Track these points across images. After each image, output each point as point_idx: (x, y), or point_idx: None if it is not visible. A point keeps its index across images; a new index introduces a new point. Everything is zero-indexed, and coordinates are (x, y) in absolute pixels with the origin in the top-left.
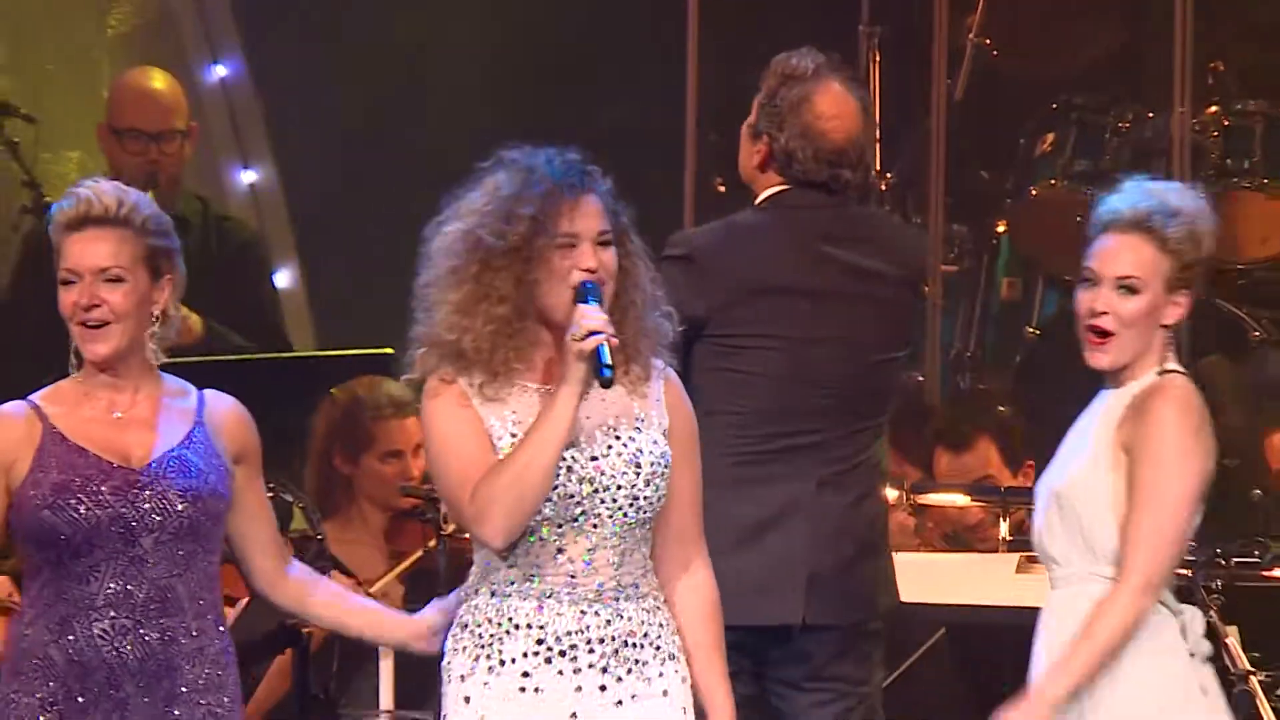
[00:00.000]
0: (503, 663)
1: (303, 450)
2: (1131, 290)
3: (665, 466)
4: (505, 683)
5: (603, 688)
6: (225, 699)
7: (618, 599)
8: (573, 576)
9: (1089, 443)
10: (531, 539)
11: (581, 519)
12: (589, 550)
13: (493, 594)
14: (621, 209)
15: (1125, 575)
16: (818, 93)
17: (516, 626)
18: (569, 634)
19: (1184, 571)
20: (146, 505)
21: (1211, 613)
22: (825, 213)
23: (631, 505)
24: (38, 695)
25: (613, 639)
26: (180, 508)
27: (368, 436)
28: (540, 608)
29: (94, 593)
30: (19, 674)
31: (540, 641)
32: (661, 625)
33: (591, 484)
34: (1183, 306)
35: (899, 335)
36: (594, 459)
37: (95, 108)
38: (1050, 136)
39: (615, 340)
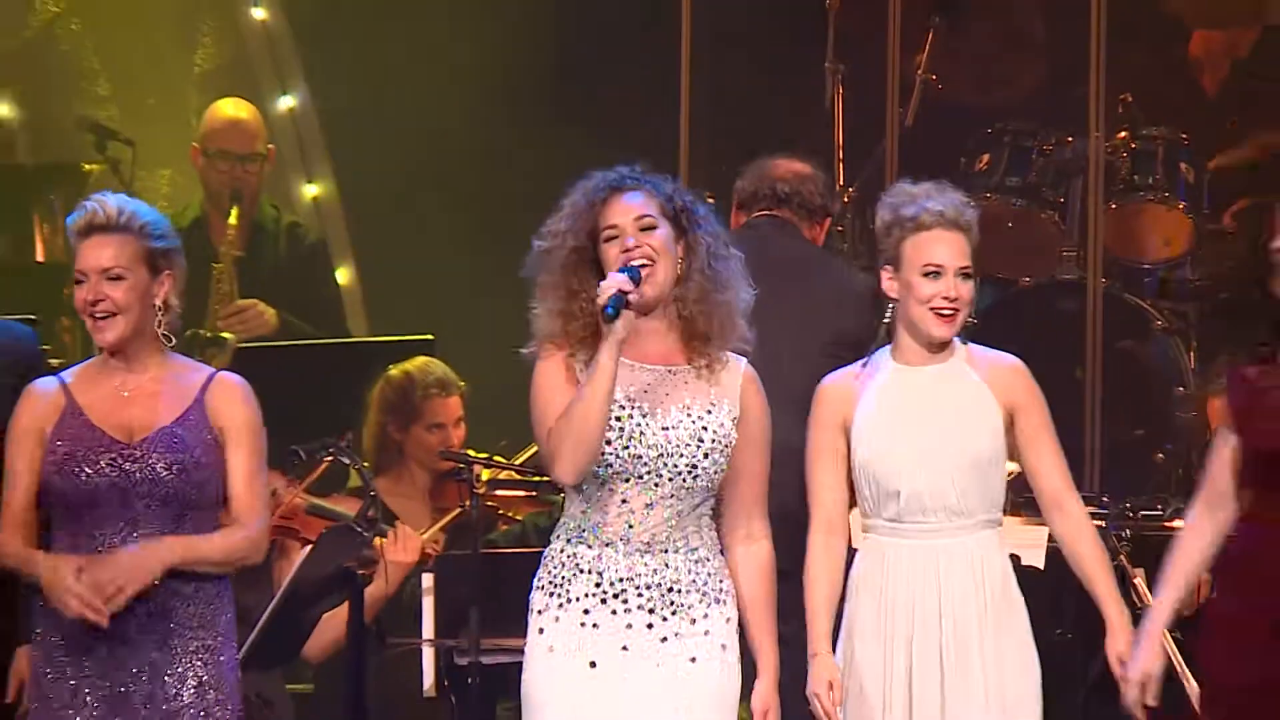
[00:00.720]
0: (569, 601)
1: (359, 420)
2: (968, 276)
3: (727, 446)
4: (570, 618)
5: (649, 625)
6: (217, 634)
7: (666, 551)
8: (630, 526)
9: (972, 406)
10: (602, 489)
11: (646, 476)
12: (647, 505)
13: (567, 541)
14: (686, 198)
15: (1072, 502)
16: None
17: (581, 570)
18: (622, 580)
19: (1099, 523)
20: (137, 475)
21: (1121, 557)
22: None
23: (690, 472)
24: (58, 633)
25: (660, 585)
26: (166, 477)
27: (416, 410)
28: (600, 556)
29: (99, 546)
30: (46, 615)
31: (598, 585)
32: (710, 575)
33: (658, 449)
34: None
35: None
36: (665, 429)
37: (183, 133)
38: (985, 157)
39: (627, 288)
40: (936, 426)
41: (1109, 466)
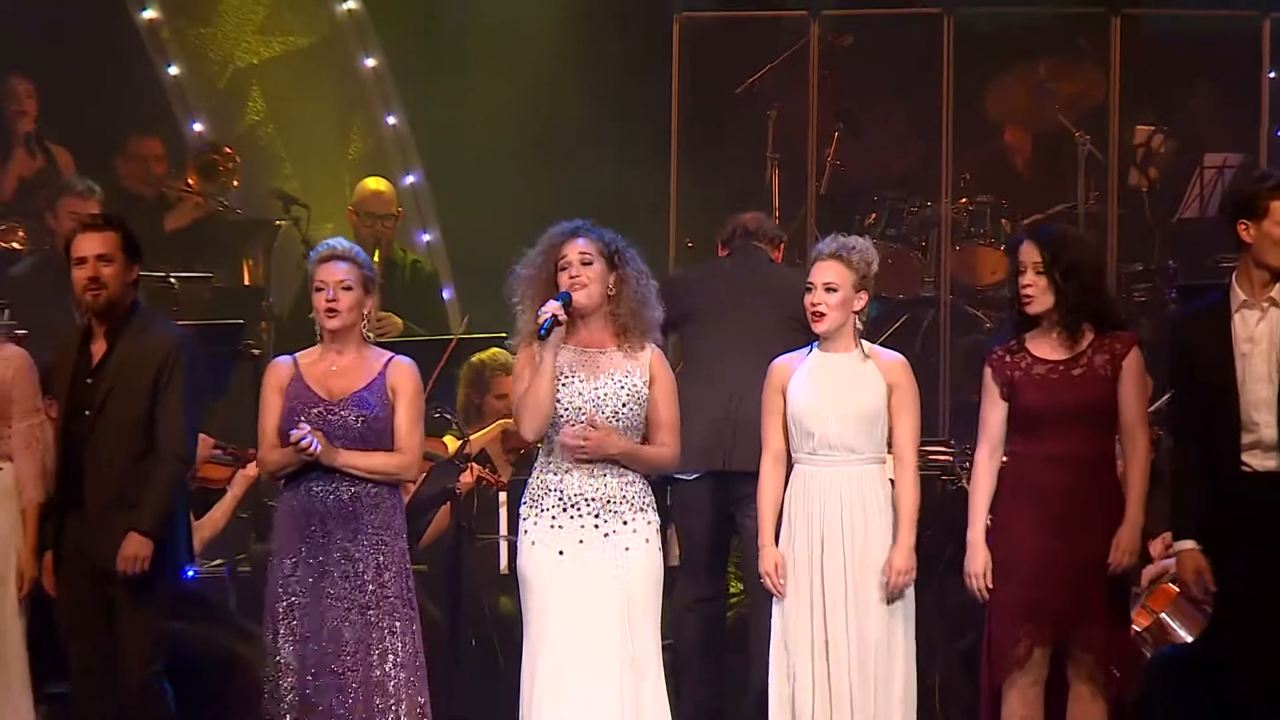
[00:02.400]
0: (542, 510)
1: (453, 389)
2: (831, 290)
3: (642, 399)
4: (543, 522)
5: (596, 526)
6: (390, 530)
7: (605, 475)
8: (556, 459)
9: (860, 380)
10: (559, 433)
11: (579, 424)
12: (582, 440)
13: (540, 470)
14: (619, 244)
15: (909, 458)
16: None
17: (549, 490)
18: (576, 495)
19: (949, 455)
20: (336, 423)
21: (963, 480)
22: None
23: (614, 417)
24: (285, 527)
25: (600, 498)
26: (356, 424)
27: (488, 385)
28: (561, 480)
29: (311, 467)
30: (277, 512)
31: (560, 499)
32: (636, 492)
33: (594, 403)
34: (864, 300)
35: None
36: (597, 389)
37: (342, 200)
38: (873, 215)
39: (557, 313)
40: (840, 392)
41: (955, 419)
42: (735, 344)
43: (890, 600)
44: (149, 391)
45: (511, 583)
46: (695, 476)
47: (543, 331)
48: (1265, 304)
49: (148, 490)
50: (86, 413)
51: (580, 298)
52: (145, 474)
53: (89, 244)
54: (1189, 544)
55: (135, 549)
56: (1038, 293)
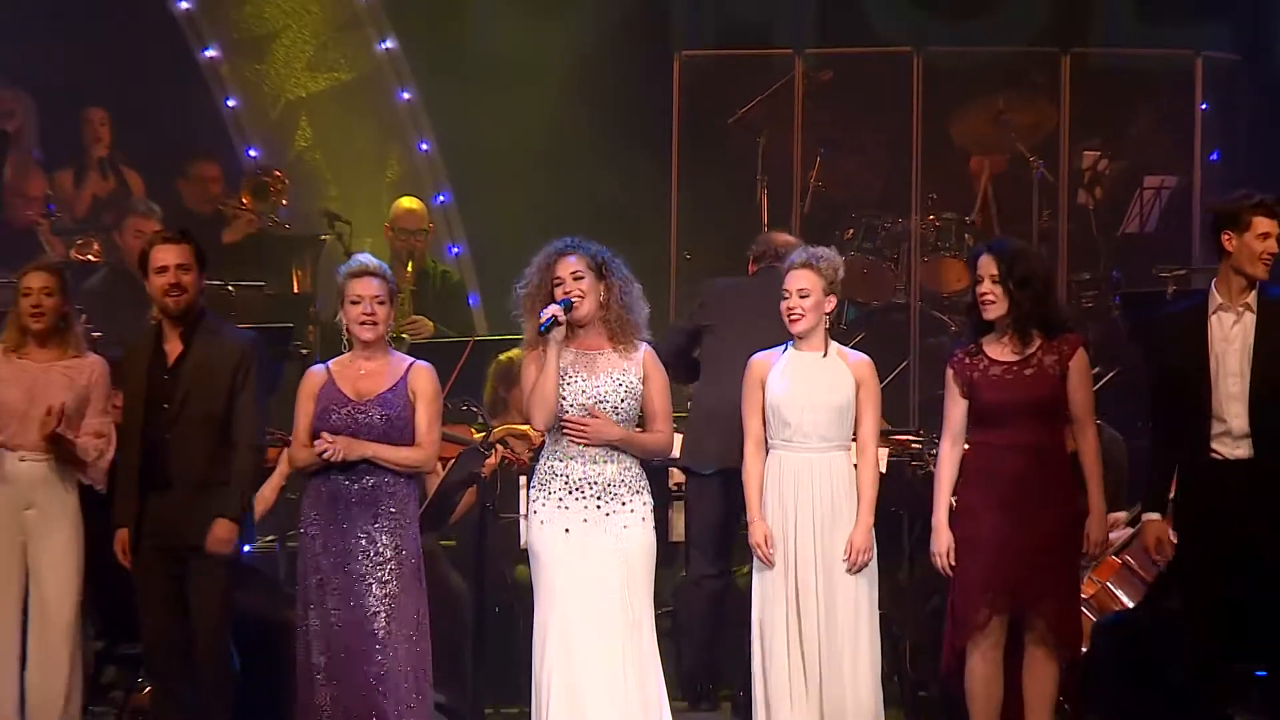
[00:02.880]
0: (549, 494)
1: (480, 383)
2: (805, 296)
3: (636, 394)
4: (551, 503)
5: (598, 507)
6: (405, 514)
7: (606, 462)
8: (582, 448)
9: (832, 376)
10: (552, 427)
11: (588, 413)
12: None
13: (547, 458)
14: (604, 255)
15: (871, 449)
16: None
17: (555, 475)
18: (580, 479)
19: (918, 444)
20: (363, 421)
21: (930, 465)
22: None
23: (614, 411)
24: (314, 510)
25: (601, 482)
26: (380, 423)
27: (514, 379)
28: (566, 465)
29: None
30: (307, 497)
31: (566, 483)
32: (633, 476)
33: (594, 399)
34: (833, 303)
35: None
36: (596, 386)
37: (379, 217)
38: (850, 231)
39: (557, 315)
40: (814, 387)
41: (924, 412)
42: (749, 349)
43: (854, 572)
44: (227, 389)
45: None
46: (711, 472)
47: (543, 328)
48: (1241, 308)
49: (232, 479)
50: (166, 406)
51: (577, 307)
52: (225, 462)
53: (170, 254)
54: (1155, 516)
55: (224, 532)
56: (995, 300)
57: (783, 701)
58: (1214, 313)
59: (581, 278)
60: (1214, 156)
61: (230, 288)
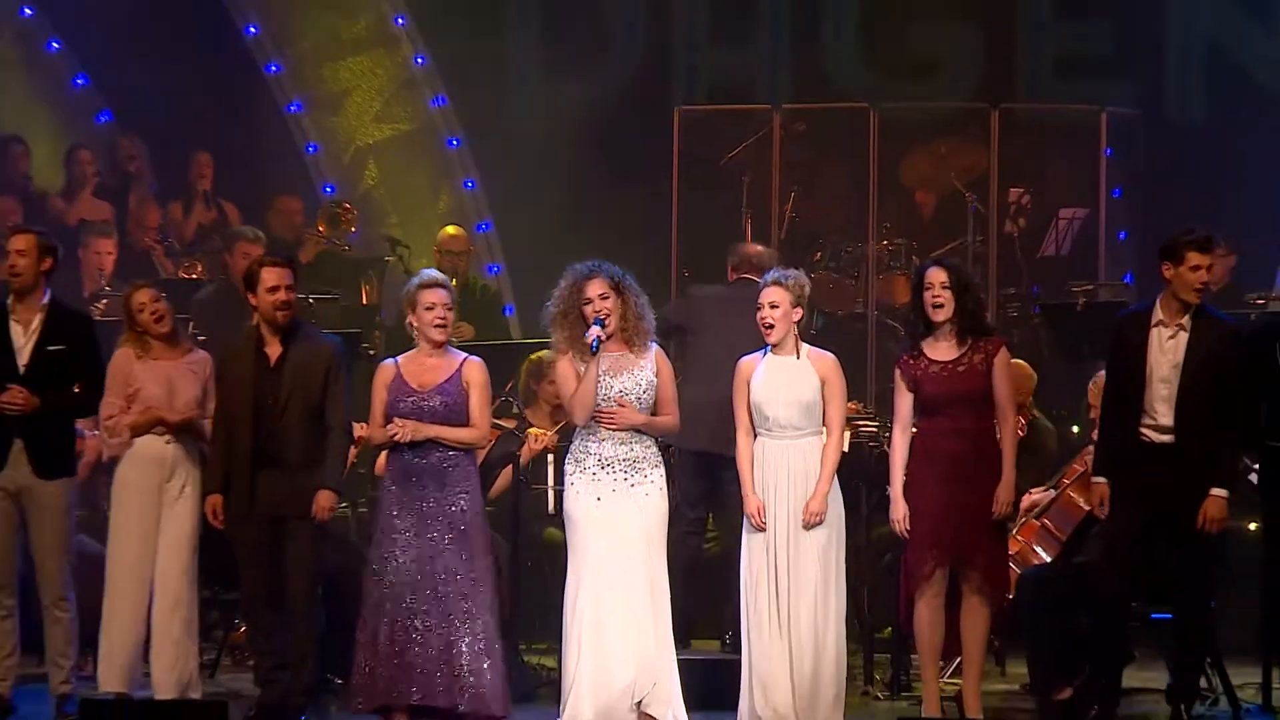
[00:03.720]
0: (585, 469)
1: (517, 379)
2: (774, 307)
3: (651, 386)
4: (585, 475)
5: (624, 478)
6: (469, 485)
7: (629, 443)
8: (594, 433)
9: (801, 376)
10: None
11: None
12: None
13: (583, 439)
14: (623, 276)
15: (836, 433)
16: None
17: (589, 453)
18: (610, 457)
19: (874, 426)
20: (425, 407)
21: (885, 446)
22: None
23: (636, 401)
24: (392, 482)
25: (627, 459)
26: (440, 408)
27: (542, 374)
28: (599, 445)
29: (401, 439)
30: (388, 471)
31: (597, 460)
32: (651, 454)
33: (625, 391)
34: (800, 314)
35: None
36: (622, 382)
37: (431, 241)
38: (819, 253)
39: (600, 335)
40: (787, 386)
41: (880, 400)
42: (730, 355)
43: (808, 529)
44: (321, 385)
45: (556, 520)
46: (695, 450)
47: (595, 349)
48: (1176, 327)
49: (330, 458)
50: (271, 399)
51: (608, 324)
52: (321, 444)
53: (280, 276)
54: (1101, 480)
55: (327, 501)
56: (945, 303)
57: (761, 639)
58: (1154, 326)
59: (607, 297)
60: (1116, 193)
61: (311, 300)
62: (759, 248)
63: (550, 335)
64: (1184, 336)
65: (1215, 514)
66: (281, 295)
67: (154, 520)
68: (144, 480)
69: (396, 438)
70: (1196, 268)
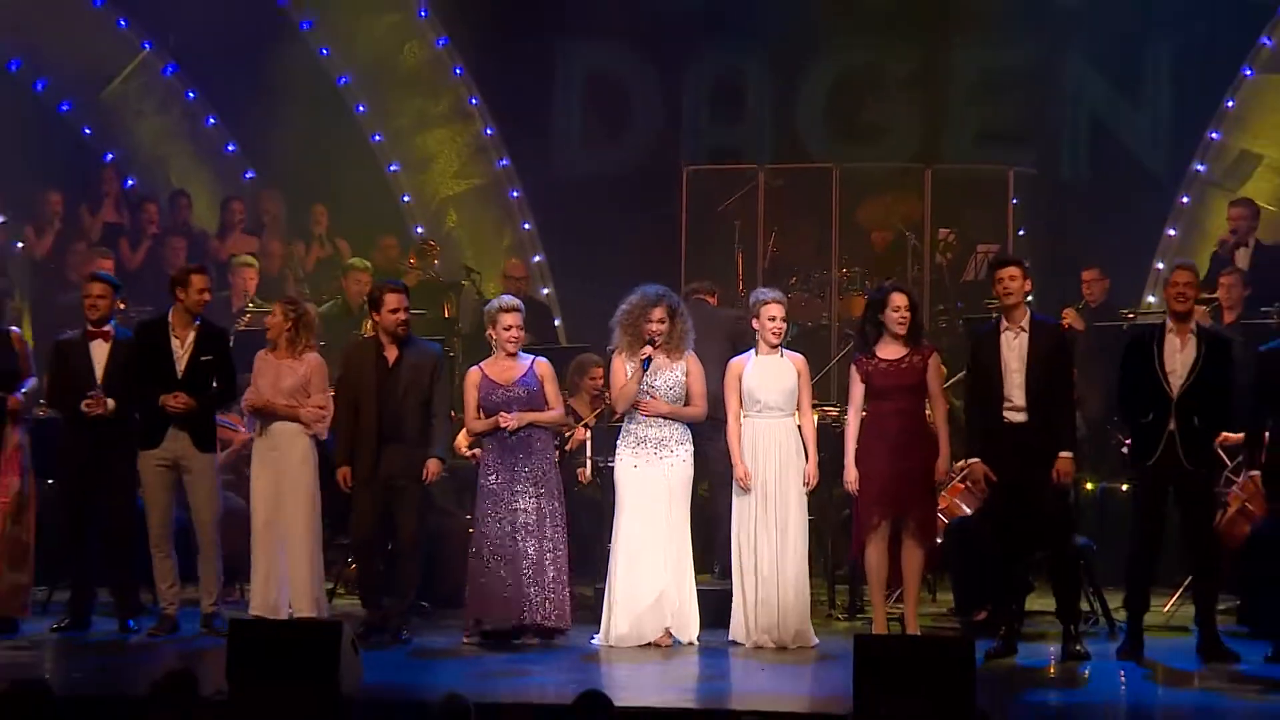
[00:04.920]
0: (628, 445)
1: (566, 378)
2: (782, 319)
3: (682, 384)
4: (627, 449)
5: (655, 452)
6: (548, 456)
7: (661, 426)
8: (647, 416)
9: (783, 371)
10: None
11: (653, 397)
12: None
13: (629, 422)
14: (678, 304)
15: (809, 414)
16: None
17: (630, 433)
18: (645, 436)
19: (836, 412)
20: (510, 397)
21: (843, 426)
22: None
23: (665, 394)
24: (490, 455)
25: (660, 438)
26: (523, 395)
27: (586, 372)
28: (640, 427)
29: (504, 426)
30: (487, 447)
31: (637, 438)
32: (680, 432)
33: (661, 388)
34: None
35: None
36: (661, 379)
37: (498, 270)
38: (794, 279)
39: (650, 355)
40: (773, 377)
41: (841, 390)
42: (700, 350)
43: (796, 489)
44: (429, 380)
45: (593, 486)
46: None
47: (645, 366)
48: (1017, 330)
49: (436, 435)
50: (392, 392)
51: (658, 344)
52: (429, 426)
53: (398, 299)
54: (976, 460)
55: (436, 468)
56: (906, 319)
57: (750, 575)
58: (1003, 332)
59: (664, 321)
60: (1020, 232)
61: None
62: (704, 284)
63: (613, 335)
64: (1025, 337)
65: (1066, 469)
66: (401, 315)
67: (273, 483)
68: (273, 451)
69: (507, 427)
70: (1000, 279)
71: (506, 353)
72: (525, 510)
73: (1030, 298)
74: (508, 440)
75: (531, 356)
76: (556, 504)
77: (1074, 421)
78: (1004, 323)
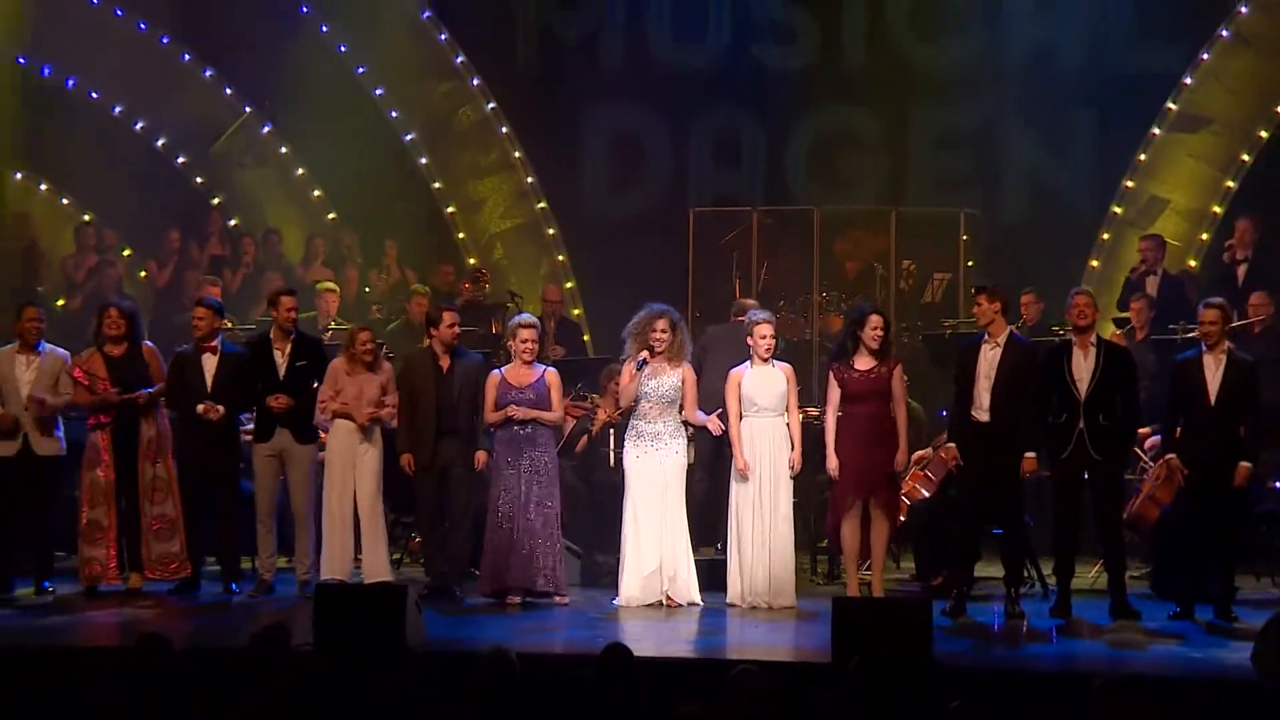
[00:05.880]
0: (632, 439)
1: (590, 380)
2: (772, 336)
3: (672, 390)
4: (631, 442)
5: (653, 445)
6: (550, 450)
7: (657, 423)
8: (648, 411)
9: (774, 378)
10: (641, 404)
11: (653, 398)
12: (656, 408)
13: (633, 420)
14: (679, 318)
15: (795, 413)
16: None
17: (634, 428)
18: (645, 431)
19: (816, 414)
20: (522, 398)
21: (822, 424)
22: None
23: (666, 397)
24: (501, 445)
25: (661, 433)
26: (531, 397)
27: (612, 376)
28: (644, 422)
29: (511, 419)
30: (498, 439)
31: (638, 433)
32: (676, 428)
33: (656, 389)
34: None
35: None
36: (660, 383)
37: (536, 294)
38: (781, 301)
39: (646, 358)
40: (766, 384)
41: (821, 394)
42: (727, 364)
43: (792, 477)
44: (476, 385)
45: (617, 470)
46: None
47: (639, 366)
48: (995, 345)
49: (482, 432)
50: (447, 395)
51: (657, 350)
52: (474, 422)
53: (453, 318)
54: (952, 445)
55: (484, 458)
56: (881, 336)
57: (744, 547)
58: (982, 345)
59: (666, 331)
60: (970, 263)
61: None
62: (750, 300)
63: (624, 345)
64: (998, 351)
65: (1029, 467)
66: (455, 330)
67: (350, 471)
68: (342, 445)
69: (515, 417)
70: (980, 304)
71: (522, 360)
72: (526, 491)
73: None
74: (515, 432)
75: (544, 366)
76: (554, 488)
77: (1035, 425)
78: (985, 337)
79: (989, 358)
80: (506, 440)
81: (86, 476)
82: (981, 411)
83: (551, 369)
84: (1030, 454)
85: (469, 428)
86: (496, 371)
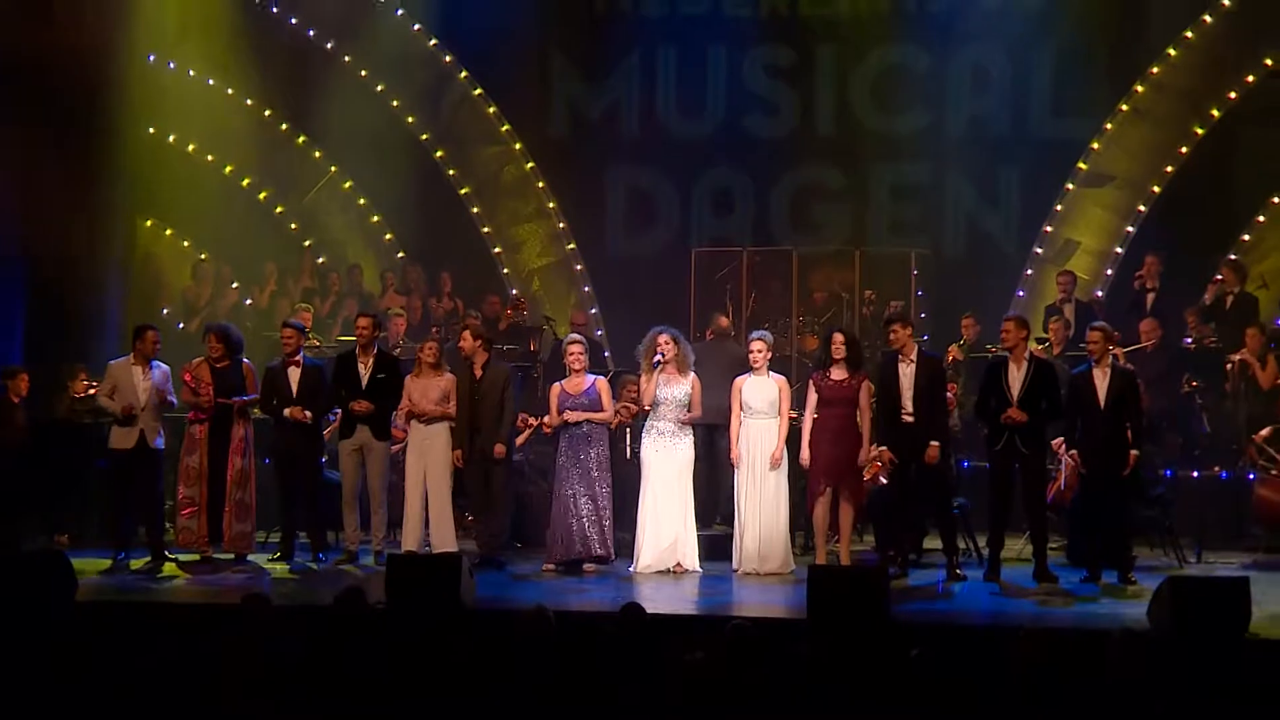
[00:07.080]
0: (648, 436)
1: (616, 388)
2: (762, 352)
3: (684, 395)
4: (650, 437)
5: (664, 441)
6: (604, 444)
7: (666, 422)
8: (665, 414)
9: (768, 387)
10: (657, 408)
11: (666, 403)
12: (670, 411)
13: (650, 420)
14: (678, 335)
15: (784, 414)
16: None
17: (651, 427)
18: (660, 429)
19: (797, 416)
20: (576, 404)
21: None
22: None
23: (676, 402)
24: (563, 441)
25: (670, 431)
26: (585, 402)
27: (624, 386)
28: (655, 423)
29: (570, 421)
30: (562, 436)
31: (656, 430)
32: (680, 428)
33: (668, 396)
34: (769, 355)
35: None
36: (671, 391)
37: (566, 318)
38: (767, 324)
39: (662, 363)
40: (762, 391)
41: (800, 400)
42: (723, 378)
43: (774, 469)
44: (503, 390)
45: (632, 463)
46: (704, 424)
47: (654, 364)
48: (910, 360)
49: (503, 428)
50: (478, 397)
51: (665, 359)
52: (502, 420)
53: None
54: (884, 448)
55: (501, 450)
56: (843, 353)
57: (750, 523)
58: (900, 362)
59: (669, 343)
60: (920, 293)
61: (503, 348)
62: (725, 320)
63: (639, 361)
64: (914, 366)
65: (933, 455)
66: (487, 350)
67: (421, 462)
68: (414, 439)
69: (570, 420)
70: (893, 332)
71: (574, 371)
72: (585, 479)
73: (926, 337)
74: (574, 431)
75: (595, 376)
76: (606, 474)
77: (945, 422)
78: (901, 355)
79: (907, 373)
80: (568, 438)
81: (185, 461)
82: (907, 415)
83: (601, 378)
84: (935, 443)
85: (495, 425)
86: (557, 384)
